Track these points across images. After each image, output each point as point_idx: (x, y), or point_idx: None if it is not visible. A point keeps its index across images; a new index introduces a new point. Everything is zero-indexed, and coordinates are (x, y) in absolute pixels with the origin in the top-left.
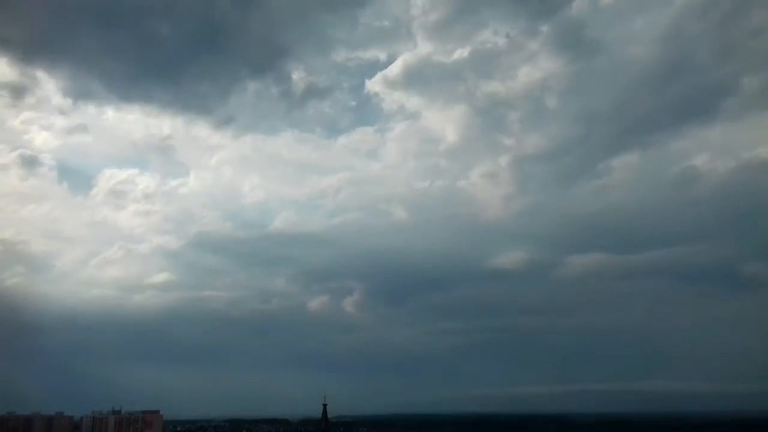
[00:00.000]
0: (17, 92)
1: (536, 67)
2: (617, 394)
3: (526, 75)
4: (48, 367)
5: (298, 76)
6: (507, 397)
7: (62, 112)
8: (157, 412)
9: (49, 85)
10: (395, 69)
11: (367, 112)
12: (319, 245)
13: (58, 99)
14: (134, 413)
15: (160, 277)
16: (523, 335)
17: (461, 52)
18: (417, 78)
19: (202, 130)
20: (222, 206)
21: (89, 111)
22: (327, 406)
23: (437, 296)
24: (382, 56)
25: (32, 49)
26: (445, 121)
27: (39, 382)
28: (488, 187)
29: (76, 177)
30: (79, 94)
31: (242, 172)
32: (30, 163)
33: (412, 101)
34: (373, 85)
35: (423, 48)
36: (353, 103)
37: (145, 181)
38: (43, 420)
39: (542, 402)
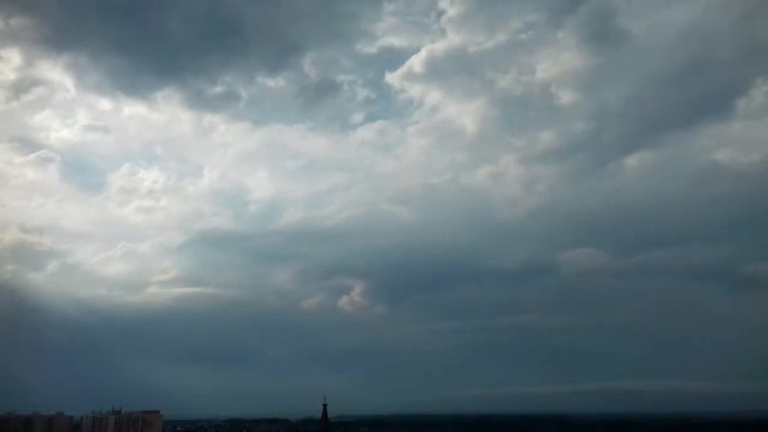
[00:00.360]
0: (30, 86)
1: (562, 59)
2: (617, 394)
3: (550, 68)
4: (48, 366)
5: (315, 68)
6: (507, 397)
7: (75, 107)
8: (157, 412)
9: (62, 79)
10: (416, 61)
11: (385, 105)
12: (324, 242)
13: (71, 94)
14: (134, 413)
15: (165, 275)
16: (524, 335)
17: (485, 44)
18: (438, 71)
19: (214, 124)
20: (232, 202)
21: (102, 107)
22: (327, 406)
23: (439, 295)
24: (404, 48)
25: (46, 43)
26: (466, 116)
27: (39, 382)
28: (509, 181)
29: (87, 173)
30: (93, 90)
31: (255, 167)
32: (43, 158)
33: (432, 95)
34: (393, 78)
35: (446, 40)
36: (371, 96)
37: (155, 177)
38: (43, 420)
39: (542, 402)
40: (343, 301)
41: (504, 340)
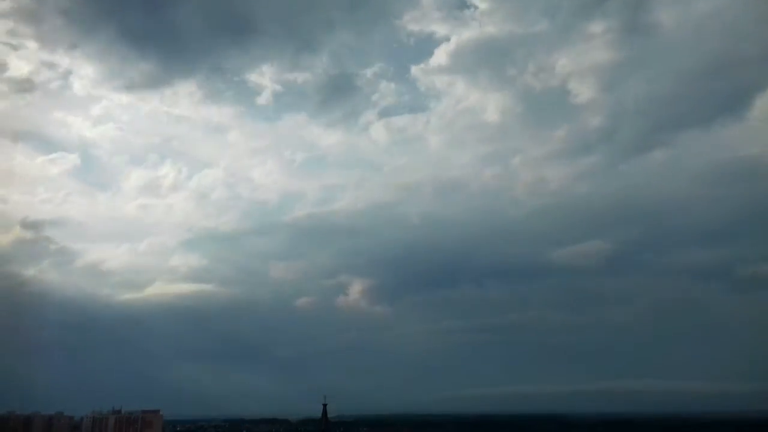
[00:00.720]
0: (43, 81)
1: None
2: (617, 394)
3: (576, 59)
4: (48, 366)
5: (334, 62)
6: (507, 397)
7: (87, 102)
8: (157, 412)
9: (74, 74)
10: (440, 54)
11: (406, 97)
12: (327, 240)
13: (83, 88)
14: (134, 413)
15: (168, 273)
16: (524, 334)
17: (511, 36)
18: (461, 63)
19: (227, 119)
20: (241, 198)
21: (113, 102)
22: (327, 406)
23: (440, 294)
24: (428, 38)
25: (60, 37)
26: (489, 109)
27: (39, 381)
28: (525, 176)
29: (97, 170)
30: (105, 85)
31: (268, 162)
32: (53, 153)
33: (456, 87)
34: (417, 70)
35: (472, 32)
36: (393, 88)
37: (165, 173)
38: (43, 420)
39: (542, 402)
40: (344, 300)
41: (504, 339)
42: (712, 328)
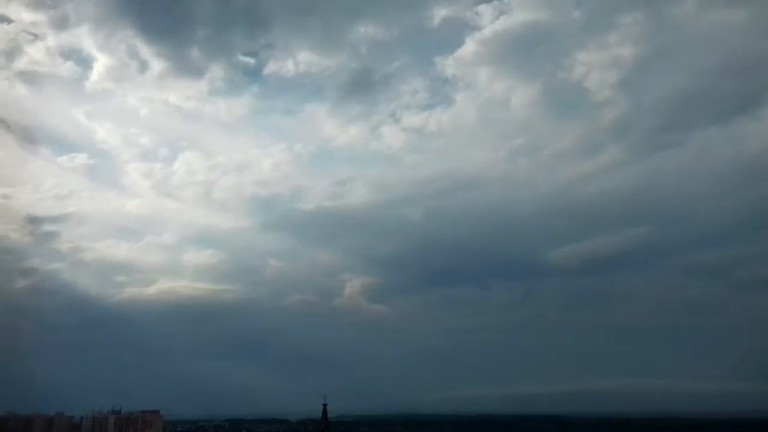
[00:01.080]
0: (59, 75)
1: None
2: (617, 394)
3: (601, 51)
4: (48, 366)
5: (356, 55)
6: (507, 397)
7: (102, 96)
8: (157, 412)
9: (90, 67)
10: (468, 46)
11: (426, 94)
12: (328, 238)
13: (100, 83)
14: (134, 413)
15: (170, 272)
16: (524, 334)
17: (537, 27)
18: (487, 55)
19: (238, 113)
20: (250, 193)
21: (128, 96)
22: (327, 406)
23: (440, 294)
24: (456, 28)
25: (74, 31)
26: (512, 105)
27: (39, 382)
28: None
29: (108, 165)
30: (120, 79)
31: (279, 158)
32: (59, 149)
33: (478, 81)
34: (442, 63)
35: (495, 25)
36: (416, 82)
37: (175, 169)
38: (43, 420)
39: (542, 402)
40: (343, 299)
41: (505, 339)
42: (712, 327)
